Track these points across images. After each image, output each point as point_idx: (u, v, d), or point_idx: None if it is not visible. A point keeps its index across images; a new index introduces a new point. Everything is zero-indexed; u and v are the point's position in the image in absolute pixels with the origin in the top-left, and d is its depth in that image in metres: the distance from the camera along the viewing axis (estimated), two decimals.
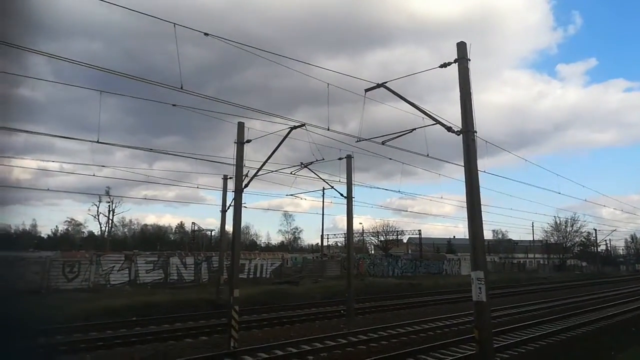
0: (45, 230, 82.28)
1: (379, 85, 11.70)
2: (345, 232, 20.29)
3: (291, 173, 18.21)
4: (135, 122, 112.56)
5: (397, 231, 70.61)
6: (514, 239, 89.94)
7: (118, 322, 17.38)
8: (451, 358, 11.80)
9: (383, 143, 12.83)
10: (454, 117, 10.48)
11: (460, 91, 10.07)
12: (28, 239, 76.26)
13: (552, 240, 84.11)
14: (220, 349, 12.82)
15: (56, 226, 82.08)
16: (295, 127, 14.25)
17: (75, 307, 19.07)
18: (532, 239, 77.26)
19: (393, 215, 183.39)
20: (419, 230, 64.94)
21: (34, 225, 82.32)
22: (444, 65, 10.46)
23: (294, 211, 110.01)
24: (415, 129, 12.85)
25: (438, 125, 10.75)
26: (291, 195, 26.35)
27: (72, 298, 21.85)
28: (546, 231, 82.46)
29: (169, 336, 14.87)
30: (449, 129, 10.51)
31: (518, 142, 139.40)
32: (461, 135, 9.89)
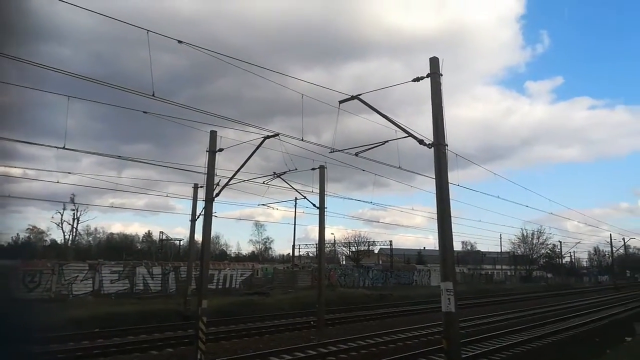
0: (4, 238, 79.02)
1: (353, 98, 11.79)
2: (317, 243, 20.26)
3: (264, 183, 18.11)
4: (104, 128, 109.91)
5: (369, 242, 70.96)
6: (482, 250, 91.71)
7: (80, 333, 16.78)
8: None
9: (356, 154, 12.91)
10: (426, 130, 10.65)
11: (432, 105, 10.25)
12: None
13: (519, 251, 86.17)
14: None
15: (17, 234, 79.03)
16: (268, 137, 14.19)
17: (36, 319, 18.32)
18: (500, 251, 79.00)
19: (365, 225, 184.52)
20: (390, 241, 65.48)
21: None
22: (417, 80, 10.63)
23: (265, 221, 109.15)
24: (387, 141, 12.99)
25: (410, 137, 10.89)
26: (263, 205, 26.12)
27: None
28: (513, 243, 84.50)
29: (133, 348, 14.46)
30: (421, 141, 10.66)
31: (487, 155, 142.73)
32: (432, 148, 10.04)
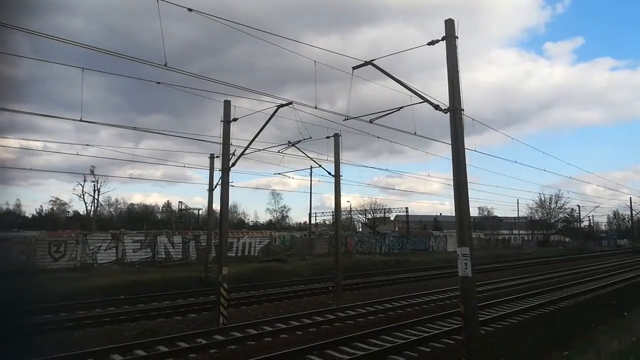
0: (29, 210, 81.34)
1: (366, 63, 11.57)
2: (333, 210, 20.39)
3: (279, 151, 18.13)
4: (120, 100, 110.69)
5: (385, 209, 71.22)
6: (499, 215, 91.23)
7: (106, 300, 17.41)
8: (437, 331, 12.05)
9: (371, 121, 12.78)
10: (441, 95, 10.48)
11: (448, 69, 10.01)
12: (12, 218, 75.46)
13: (536, 216, 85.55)
14: (209, 326, 12.94)
15: (40, 206, 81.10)
16: (282, 105, 14.11)
17: (63, 287, 19.03)
18: (517, 216, 78.45)
19: (380, 193, 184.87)
20: (406, 208, 65.56)
21: (18, 205, 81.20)
22: (432, 43, 10.36)
23: (281, 190, 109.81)
24: (402, 107, 12.80)
25: (425, 103, 10.72)
26: (279, 174, 26.30)
27: (60, 277, 21.76)
28: (531, 208, 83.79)
29: (157, 314, 14.94)
30: (437, 107, 10.49)
31: (505, 120, 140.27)
32: (448, 113, 9.88)
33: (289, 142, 17.63)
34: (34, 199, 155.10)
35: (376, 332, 11.90)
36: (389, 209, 70.74)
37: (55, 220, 71.55)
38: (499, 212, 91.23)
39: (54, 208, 76.29)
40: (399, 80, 11.00)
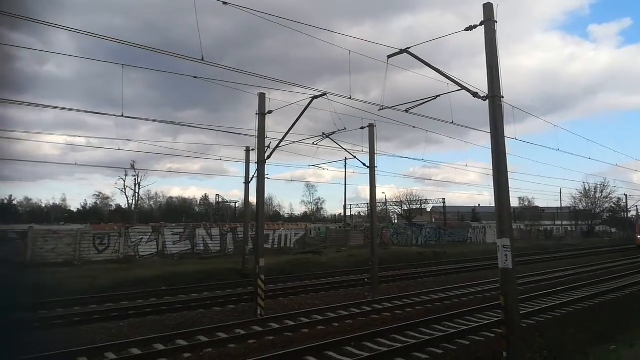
0: (74, 204, 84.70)
1: (402, 51, 11.36)
2: (368, 202, 20.27)
3: (313, 143, 18.12)
4: (158, 96, 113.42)
5: (421, 200, 70.25)
6: (540, 206, 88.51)
7: (148, 291, 17.96)
8: (476, 324, 11.82)
9: (407, 111, 12.57)
10: (479, 82, 10.17)
11: (487, 55, 9.70)
12: (59, 212, 78.89)
13: (580, 206, 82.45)
14: (247, 317, 13.14)
15: (85, 200, 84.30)
16: (316, 97, 14.08)
17: (107, 278, 19.75)
18: (559, 206, 75.93)
19: (416, 184, 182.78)
20: (443, 199, 64.37)
21: (64, 200, 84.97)
22: (470, 28, 10.06)
23: (316, 182, 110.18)
24: (439, 96, 12.53)
25: (463, 91, 10.44)
26: (313, 166, 26.45)
27: (104, 269, 22.59)
28: (574, 198, 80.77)
29: (197, 305, 15.29)
30: (475, 94, 10.20)
31: (546, 107, 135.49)
32: (487, 100, 9.59)
33: (323, 133, 17.59)
34: (79, 193, 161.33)
35: (414, 324, 11.78)
36: (426, 200, 69.78)
37: (99, 213, 74.36)
38: (540, 203, 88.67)
39: (98, 202, 79.31)
40: (436, 68, 10.76)
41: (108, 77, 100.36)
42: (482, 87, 9.94)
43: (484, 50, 9.77)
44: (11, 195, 79.59)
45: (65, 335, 11.26)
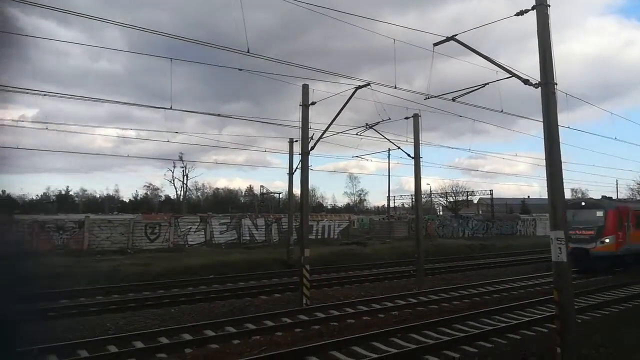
0: (126, 195, 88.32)
1: (448, 39, 11.08)
2: (412, 193, 20.00)
3: (357, 134, 18.04)
4: (204, 89, 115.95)
5: (467, 191, 68.60)
6: (595, 197, 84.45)
7: (197, 279, 18.54)
8: (527, 319, 11.49)
9: (453, 99, 12.27)
10: (530, 69, 9.80)
11: (539, 40, 9.28)
12: (112, 202, 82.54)
13: (638, 197, 78.10)
14: (293, 306, 13.31)
15: (136, 190, 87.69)
16: (360, 87, 14.00)
17: (159, 265, 20.52)
18: (616, 197, 72.19)
19: (462, 175, 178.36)
20: (491, 190, 62.51)
21: (117, 190, 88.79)
22: (521, 13, 9.66)
23: (359, 173, 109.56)
24: (488, 84, 12.16)
25: (513, 79, 10.07)
26: (356, 156, 26.39)
27: (155, 257, 23.47)
28: (632, 189, 76.49)
29: (244, 293, 15.65)
30: (526, 81, 9.82)
31: (602, 94, 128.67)
32: (539, 88, 9.21)
33: (366, 124, 17.48)
34: (130, 184, 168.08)
35: (462, 317, 11.59)
36: (472, 191, 68.07)
37: (149, 204, 77.21)
38: (594, 194, 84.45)
39: (148, 193, 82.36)
40: (485, 55, 10.43)
41: (155, 71, 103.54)
42: (533, 74, 9.57)
43: (535, 36, 9.38)
44: (68, 186, 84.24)
45: (121, 320, 11.81)
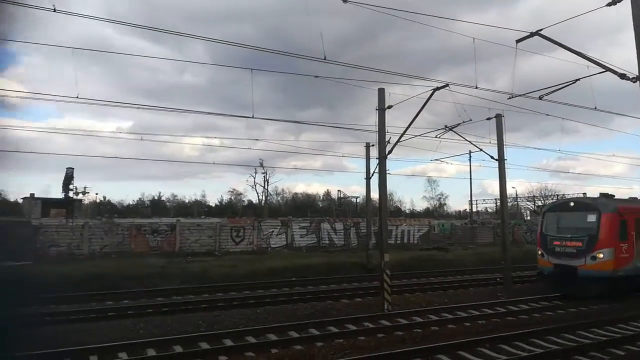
0: (212, 200, 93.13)
1: (532, 34, 10.62)
2: (496, 197, 19.19)
3: (436, 136, 17.70)
4: (282, 97, 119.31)
5: (557, 195, 64.34)
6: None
7: (280, 281, 19.12)
8: (632, 332, 10.57)
9: (540, 98, 11.73)
10: (625, 63, 9.09)
11: (635, 30, 8.62)
12: (200, 207, 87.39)
13: None
14: (374, 311, 13.26)
15: (221, 195, 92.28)
16: (438, 88, 13.75)
17: (244, 267, 21.44)
18: None
19: (551, 177, 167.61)
20: (584, 194, 58.14)
21: (204, 195, 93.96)
22: (613, 3, 9.04)
23: (438, 176, 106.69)
24: (579, 80, 11.46)
25: (606, 73, 9.43)
26: (436, 160, 26.05)
27: (240, 259, 24.51)
28: None
29: (326, 296, 15.84)
30: (622, 76, 9.16)
31: None
32: (637, 82, 8.54)
33: (445, 126, 17.11)
34: (215, 189, 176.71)
35: (556, 329, 10.91)
36: (562, 195, 63.72)
37: (233, 208, 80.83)
38: None
39: (232, 198, 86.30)
40: (575, 50, 9.88)
41: (236, 83, 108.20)
42: (629, 67, 8.88)
43: (629, 27, 8.72)
44: (160, 192, 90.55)
45: (210, 319, 12.49)
